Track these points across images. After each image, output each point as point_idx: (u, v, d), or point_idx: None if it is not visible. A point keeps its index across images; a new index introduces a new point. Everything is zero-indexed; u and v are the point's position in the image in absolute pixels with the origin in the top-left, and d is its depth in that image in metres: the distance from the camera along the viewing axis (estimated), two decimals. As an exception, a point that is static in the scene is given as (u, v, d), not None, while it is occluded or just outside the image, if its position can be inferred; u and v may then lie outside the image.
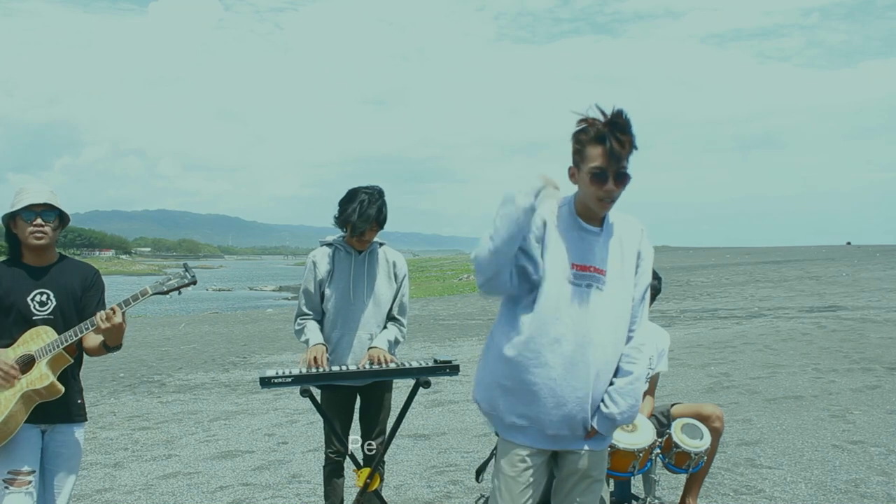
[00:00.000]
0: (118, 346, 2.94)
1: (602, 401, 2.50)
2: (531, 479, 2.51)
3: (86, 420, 3.10)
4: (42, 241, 2.92)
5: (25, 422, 2.86)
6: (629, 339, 2.54)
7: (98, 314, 2.84)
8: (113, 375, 10.59)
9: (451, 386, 8.37)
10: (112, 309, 2.85)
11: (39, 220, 2.91)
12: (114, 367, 11.26)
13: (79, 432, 3.04)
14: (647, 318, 2.59)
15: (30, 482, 2.81)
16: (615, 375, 2.52)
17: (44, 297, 2.94)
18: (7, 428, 2.80)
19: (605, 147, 2.33)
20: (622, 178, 2.37)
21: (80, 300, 3.02)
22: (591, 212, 2.47)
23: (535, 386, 2.46)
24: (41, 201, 2.90)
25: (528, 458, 2.50)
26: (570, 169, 2.47)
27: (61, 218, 3.02)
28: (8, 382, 2.81)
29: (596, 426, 2.50)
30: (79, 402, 3.05)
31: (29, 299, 2.92)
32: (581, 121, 2.38)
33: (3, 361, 2.83)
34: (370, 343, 3.63)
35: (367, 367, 3.46)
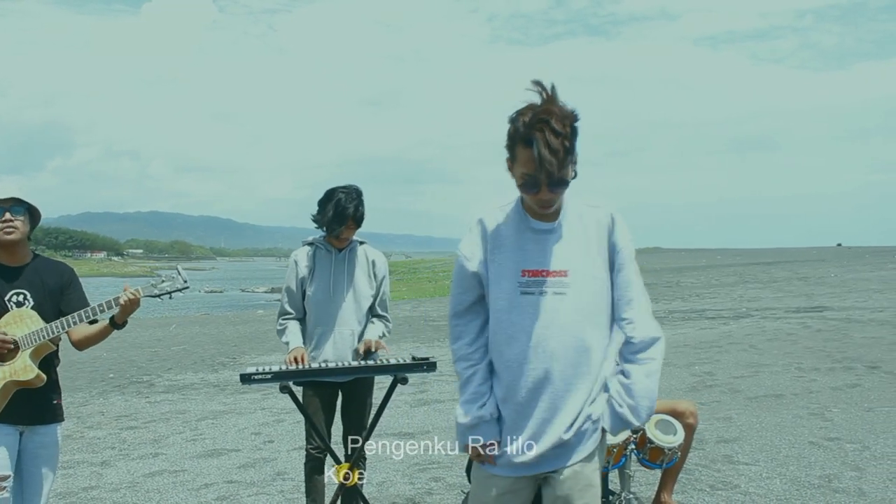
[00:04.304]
0: (125, 324, 2.96)
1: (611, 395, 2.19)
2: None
3: (63, 420, 3.05)
4: (13, 236, 2.85)
5: (5, 423, 2.82)
6: (627, 324, 2.16)
7: (122, 293, 2.87)
8: (102, 376, 10.62)
9: (437, 385, 8.43)
10: (132, 289, 2.88)
11: (8, 215, 2.83)
12: (103, 368, 11.29)
13: (58, 432, 3.01)
14: (643, 300, 2.20)
15: (6, 487, 2.79)
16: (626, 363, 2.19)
17: (20, 298, 2.90)
18: None
19: (532, 152, 1.98)
20: (557, 186, 2.04)
21: (59, 299, 2.98)
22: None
23: (502, 413, 2.22)
24: (6, 196, 2.83)
25: (502, 484, 2.22)
26: (507, 160, 2.11)
27: (31, 213, 2.94)
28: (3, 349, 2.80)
29: (608, 426, 2.19)
30: (55, 402, 2.99)
31: (6, 300, 2.88)
32: (515, 113, 2.05)
33: None
34: (352, 339, 3.71)
35: (361, 359, 3.57)
